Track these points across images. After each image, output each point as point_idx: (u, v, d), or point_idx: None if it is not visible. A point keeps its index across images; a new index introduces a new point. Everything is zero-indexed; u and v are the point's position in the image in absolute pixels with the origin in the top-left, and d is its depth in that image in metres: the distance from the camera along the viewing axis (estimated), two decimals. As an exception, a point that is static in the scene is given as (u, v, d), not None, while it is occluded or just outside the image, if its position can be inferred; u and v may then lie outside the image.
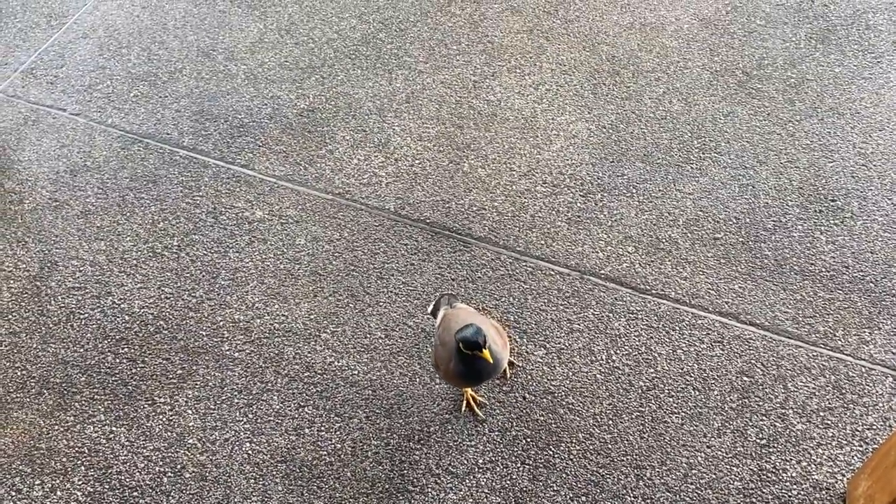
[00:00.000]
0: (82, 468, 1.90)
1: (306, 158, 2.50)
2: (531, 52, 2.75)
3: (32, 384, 2.04)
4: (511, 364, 1.97)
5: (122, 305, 2.18)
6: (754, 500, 1.74)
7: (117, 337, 2.12)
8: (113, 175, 2.50)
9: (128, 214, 2.39)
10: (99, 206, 2.42)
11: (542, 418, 1.90)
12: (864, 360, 1.95)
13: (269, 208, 2.38)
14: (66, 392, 2.02)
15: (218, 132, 2.59)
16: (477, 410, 1.90)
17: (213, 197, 2.42)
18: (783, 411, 1.87)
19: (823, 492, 1.74)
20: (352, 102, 2.65)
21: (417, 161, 2.46)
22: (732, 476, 1.78)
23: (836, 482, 1.75)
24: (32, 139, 2.62)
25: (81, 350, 2.10)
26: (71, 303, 2.20)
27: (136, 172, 2.50)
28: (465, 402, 1.91)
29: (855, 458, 1.79)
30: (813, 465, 1.78)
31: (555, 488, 1.79)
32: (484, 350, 1.57)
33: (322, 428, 1.91)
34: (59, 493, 1.86)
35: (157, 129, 2.61)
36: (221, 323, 2.13)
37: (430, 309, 1.95)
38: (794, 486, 1.75)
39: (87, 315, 2.17)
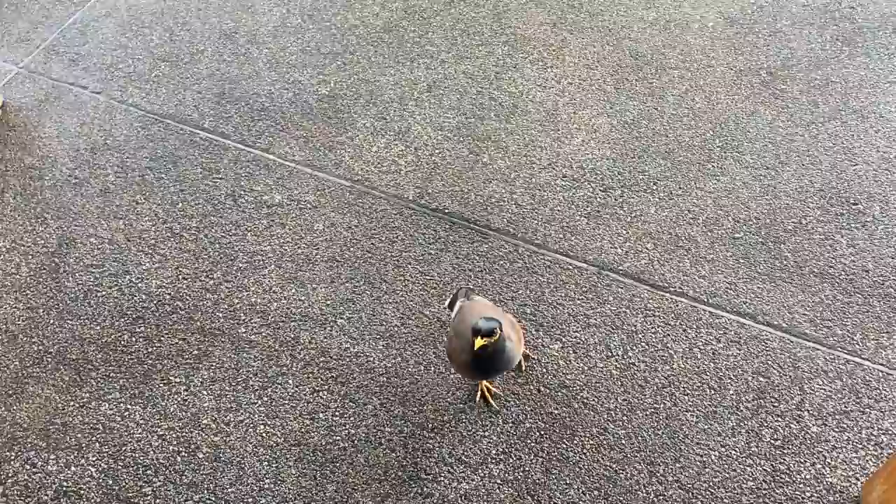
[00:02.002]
0: (97, 445, 1.91)
1: (326, 144, 2.49)
2: (554, 45, 2.74)
3: (49, 360, 2.05)
4: (526, 357, 1.97)
5: (140, 284, 2.19)
6: (767, 500, 1.74)
7: (134, 316, 2.13)
8: (133, 154, 2.50)
9: (147, 194, 2.40)
10: (118, 184, 2.43)
11: (556, 412, 1.90)
12: (881, 364, 1.94)
13: (288, 193, 2.38)
14: (81, 368, 2.03)
15: (239, 115, 2.59)
16: (491, 401, 1.90)
17: (232, 179, 2.42)
18: (799, 413, 1.87)
19: (837, 495, 1.74)
20: (373, 90, 2.64)
21: (437, 151, 2.46)
22: (746, 476, 1.78)
23: (850, 486, 1.75)
24: (53, 116, 2.62)
25: (98, 328, 2.11)
26: (88, 280, 2.20)
27: (156, 152, 2.50)
28: (479, 392, 1.92)
29: (870, 462, 1.78)
30: (827, 468, 1.78)
31: (567, 482, 1.79)
32: (495, 336, 1.57)
33: (336, 413, 1.92)
34: (73, 468, 1.87)
35: (178, 110, 2.61)
36: (238, 305, 2.13)
37: (447, 302, 1.95)
38: (808, 489, 1.75)
39: (104, 293, 2.18)
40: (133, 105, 2.64)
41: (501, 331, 1.59)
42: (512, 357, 1.68)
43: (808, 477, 1.77)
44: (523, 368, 1.96)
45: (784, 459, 1.79)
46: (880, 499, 1.58)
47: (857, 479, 1.76)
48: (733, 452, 1.81)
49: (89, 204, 2.38)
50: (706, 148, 2.41)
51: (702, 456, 1.81)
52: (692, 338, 2.01)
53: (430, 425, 1.89)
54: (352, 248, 2.24)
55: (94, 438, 1.91)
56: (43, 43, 2.86)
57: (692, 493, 1.76)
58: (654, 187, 2.32)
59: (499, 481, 1.80)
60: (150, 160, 2.48)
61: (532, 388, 1.94)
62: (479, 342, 1.57)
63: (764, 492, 1.75)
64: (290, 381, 1.98)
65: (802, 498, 1.74)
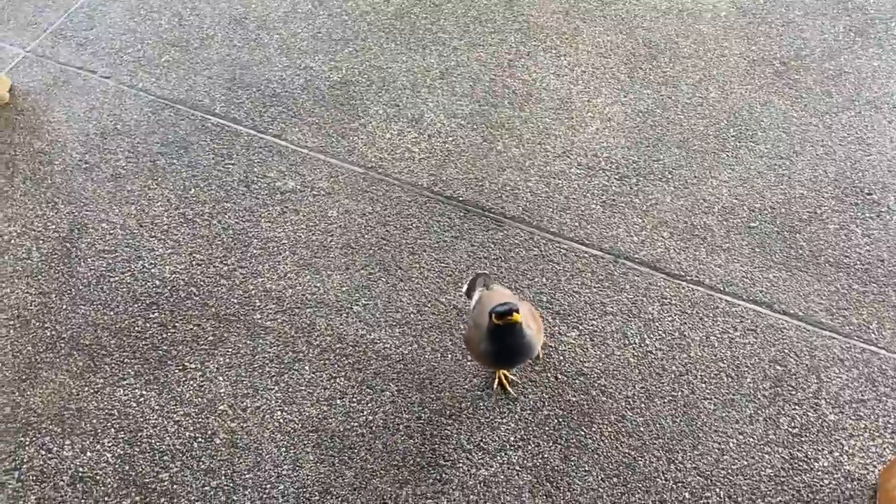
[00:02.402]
0: (112, 430, 1.90)
1: (339, 131, 2.48)
2: (567, 32, 2.73)
3: (62, 345, 2.04)
4: (543, 345, 1.97)
5: (153, 270, 2.17)
6: (785, 487, 1.74)
7: (148, 301, 2.11)
8: (144, 139, 2.48)
9: (159, 179, 2.38)
10: (129, 170, 2.41)
11: (574, 399, 1.90)
12: (897, 353, 1.95)
13: (302, 179, 2.36)
14: (95, 354, 2.02)
15: (250, 101, 2.57)
16: (508, 388, 1.90)
17: (245, 165, 2.40)
18: (815, 401, 1.87)
19: (855, 482, 1.74)
20: (385, 76, 2.63)
21: (451, 138, 2.44)
22: (764, 463, 1.78)
23: (868, 473, 1.76)
24: (62, 100, 2.60)
25: (111, 313, 2.09)
26: (101, 265, 2.19)
27: (167, 138, 2.49)
28: (496, 380, 1.91)
29: (887, 450, 1.79)
30: (845, 456, 1.79)
31: (586, 468, 1.80)
32: (514, 314, 1.57)
33: (354, 399, 1.91)
34: (89, 454, 1.86)
35: (189, 95, 2.59)
36: (253, 291, 2.12)
37: (464, 289, 1.95)
38: (826, 476, 1.76)
39: (117, 278, 2.16)
40: (143, 90, 2.62)
41: (518, 311, 1.59)
42: (532, 345, 1.67)
43: (825, 465, 1.77)
44: (540, 357, 1.95)
45: (801, 447, 1.80)
46: (901, 486, 1.58)
47: (875, 467, 1.77)
48: (751, 440, 1.82)
49: (100, 189, 2.36)
50: (720, 137, 2.41)
51: (720, 443, 1.82)
52: (709, 326, 2.01)
53: (448, 412, 1.89)
54: (366, 235, 2.23)
55: (109, 424, 1.90)
56: (50, 27, 2.83)
57: (710, 480, 1.76)
58: (670, 176, 2.32)
59: (517, 468, 1.80)
60: (161, 145, 2.46)
61: (550, 375, 1.94)
62: (496, 320, 1.58)
63: (782, 479, 1.76)
64: (307, 368, 1.97)
65: (821, 485, 1.74)
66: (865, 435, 1.82)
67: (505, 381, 1.91)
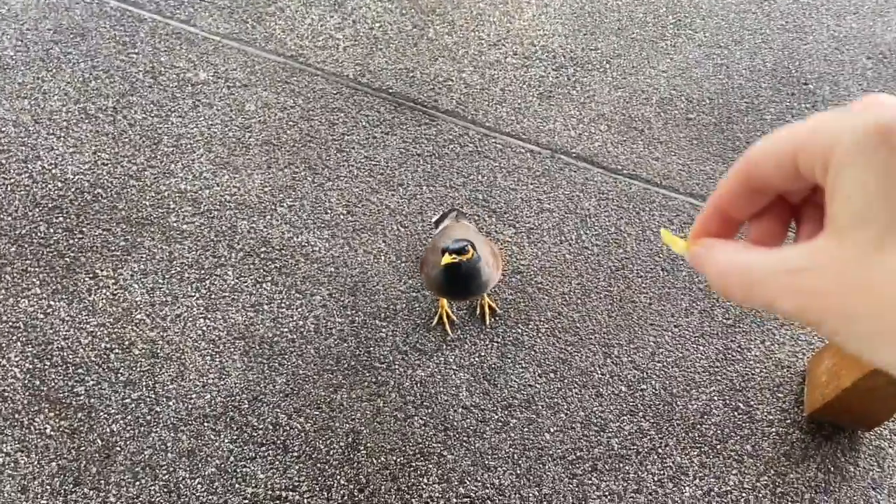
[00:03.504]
0: (18, 344, 1.76)
1: (253, 16, 2.27)
2: (501, -90, 2.53)
3: (-46, 255, 1.85)
4: (493, 311, 1.84)
5: (54, 171, 1.98)
6: (719, 377, 1.77)
7: (50, 205, 1.93)
8: (34, 26, 2.22)
9: (53, 71, 2.14)
10: (19, 59, 2.15)
11: (510, 297, 1.86)
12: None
13: (214, 69, 2.17)
14: (-6, 264, 1.85)
15: (153, -18, 2.31)
16: (448, 328, 1.80)
17: (150, 55, 2.18)
18: (748, 293, 1.88)
19: (785, 370, 1.78)
20: (304, -44, 2.40)
21: (378, 24, 2.27)
22: (699, 355, 1.79)
23: (797, 361, 1.79)
24: (-67, -21, 2.28)
25: (9, 218, 1.91)
26: (-7, 167, 1.98)
27: (60, 24, 2.22)
28: (438, 315, 1.81)
29: (815, 338, 1.83)
30: (776, 345, 1.82)
31: (523, 365, 1.77)
32: (466, 255, 1.47)
33: (282, 305, 1.82)
34: (-6, 370, 1.72)
35: (82, -25, 2.31)
36: (166, 193, 1.96)
37: (434, 218, 1.83)
38: (758, 365, 1.79)
39: (13, 180, 1.96)
40: (28, -32, 2.32)
41: (474, 249, 1.49)
42: (486, 282, 1.57)
43: (757, 354, 1.80)
44: (487, 322, 1.82)
45: (735, 338, 1.82)
46: (830, 371, 1.62)
47: (804, 355, 1.80)
48: (686, 332, 1.82)
49: (-14, 81, 2.11)
50: (659, 25, 2.32)
51: (655, 337, 1.82)
52: (645, 220, 1.98)
53: (383, 315, 1.82)
54: (288, 131, 2.07)
55: (14, 337, 1.76)
56: None
57: (646, 373, 1.77)
58: (608, 66, 2.22)
59: (454, 367, 1.76)
60: (53, 32, 2.21)
61: (486, 274, 1.88)
62: (447, 258, 1.46)
63: (716, 369, 1.78)
64: (230, 273, 1.86)
65: (752, 374, 1.77)
66: (795, 325, 1.85)
67: (446, 320, 1.81)
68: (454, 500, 1.61)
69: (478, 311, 1.82)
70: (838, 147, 0.28)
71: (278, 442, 1.66)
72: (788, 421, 1.72)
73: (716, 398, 1.74)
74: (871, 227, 0.27)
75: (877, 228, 0.27)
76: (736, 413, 1.73)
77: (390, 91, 2.15)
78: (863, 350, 0.28)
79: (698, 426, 1.71)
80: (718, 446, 1.69)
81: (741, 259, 0.32)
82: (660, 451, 1.68)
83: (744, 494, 1.64)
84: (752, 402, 1.74)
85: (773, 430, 1.71)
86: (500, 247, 1.89)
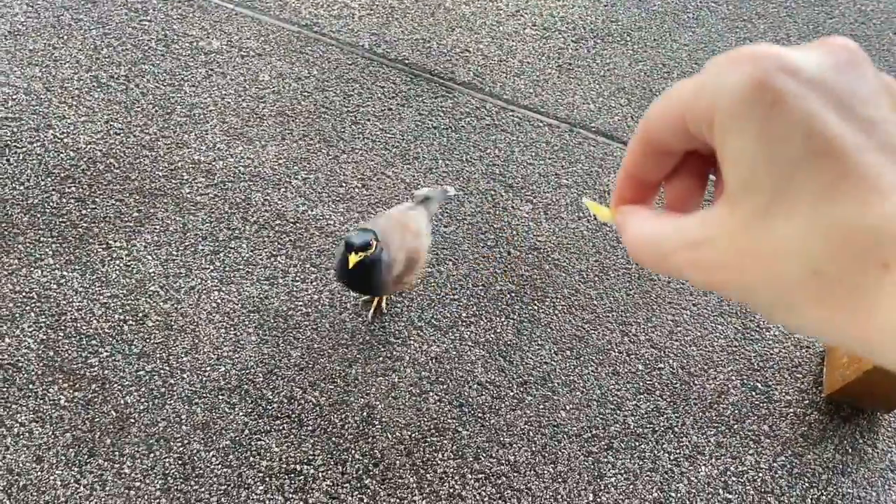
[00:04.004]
0: (32, 314, 1.75)
1: (268, -16, 2.23)
2: None
3: (-33, 224, 1.84)
4: (379, 309, 1.76)
5: (66, 140, 1.95)
6: (737, 356, 1.75)
7: (62, 175, 1.91)
8: (43, -9, 2.18)
9: (65, 38, 2.11)
10: (30, 26, 2.12)
11: (527, 274, 1.84)
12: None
13: (228, 38, 2.13)
14: (6, 233, 1.83)
15: (165, -53, 2.27)
16: (369, 312, 1.73)
17: (163, 22, 2.14)
18: (768, 272, 1.86)
19: (804, 350, 1.76)
20: (319, -78, 2.35)
21: (394, -6, 2.23)
22: (717, 334, 1.77)
23: (816, 342, 1.77)
24: (-59, -57, 2.24)
25: (21, 187, 1.89)
26: (5, 134, 1.95)
27: (70, -11, 2.19)
28: (373, 308, 1.75)
29: (835, 318, 1.80)
30: (795, 325, 1.79)
31: (539, 342, 1.76)
32: (351, 255, 1.34)
33: (297, 278, 1.80)
34: (7, 339, 1.71)
35: (93, -60, 2.27)
36: (180, 164, 1.94)
37: (415, 192, 1.75)
38: (776, 345, 1.77)
39: (24, 149, 1.94)
40: (37, -68, 2.28)
41: (378, 240, 1.36)
42: (385, 283, 1.46)
43: (776, 334, 1.78)
44: (370, 316, 1.74)
45: (754, 317, 1.80)
46: (850, 352, 1.60)
47: (824, 335, 1.78)
48: (705, 311, 1.80)
49: (-4, 48, 2.08)
50: (682, -3, 2.27)
51: (674, 315, 1.80)
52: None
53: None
54: (303, 102, 2.04)
55: (28, 308, 1.75)
56: None
57: (664, 352, 1.75)
58: (628, 38, 2.18)
59: (470, 343, 1.75)
60: (64, -2, 2.17)
61: (502, 250, 1.86)
62: (353, 259, 1.34)
63: (734, 348, 1.76)
64: (244, 245, 1.84)
65: (771, 353, 1.75)
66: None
67: (374, 306, 1.73)
68: (469, 475, 1.61)
69: (370, 314, 1.75)
70: (718, 111, 0.26)
71: (293, 416, 1.65)
72: (806, 401, 1.71)
73: (733, 378, 1.72)
74: (757, 195, 0.26)
75: (762, 195, 0.26)
76: (754, 393, 1.71)
77: (406, 62, 2.11)
78: (773, 318, 0.27)
79: (715, 405, 1.69)
80: (735, 426, 1.67)
81: (650, 230, 0.31)
82: (676, 429, 1.67)
83: (760, 474, 1.63)
84: (770, 382, 1.72)
85: (791, 410, 1.69)
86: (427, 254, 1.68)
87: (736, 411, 1.69)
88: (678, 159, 0.33)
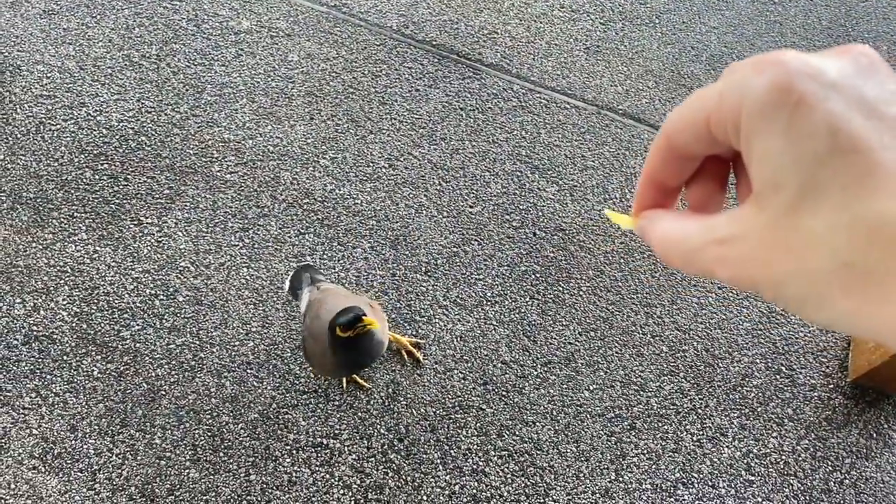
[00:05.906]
0: (66, 288, 1.79)
1: (297, -35, 2.24)
2: None
3: (3, 198, 1.88)
4: (418, 347, 1.74)
5: (99, 118, 1.99)
6: (762, 340, 1.75)
7: (95, 152, 1.94)
8: (76, -29, 2.21)
9: (98, 17, 2.14)
10: (64, 5, 2.15)
11: (552, 254, 1.84)
12: None
13: (258, 18, 2.15)
14: (41, 208, 1.87)
15: (196, -72, 2.29)
16: (362, 382, 1.70)
17: (193, 2, 2.17)
18: (795, 256, 1.85)
19: (829, 334, 1.76)
20: None
21: (422, -25, 2.23)
22: (742, 317, 1.77)
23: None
24: (-23, -77, 2.28)
25: (56, 164, 1.92)
26: (40, 112, 1.99)
27: (103, -31, 2.21)
28: (345, 382, 1.71)
29: (862, 304, 1.80)
30: (821, 310, 1.79)
31: (564, 323, 1.77)
32: (364, 317, 1.31)
33: (324, 256, 1.82)
34: (42, 311, 1.76)
35: (125, -80, 2.29)
36: (210, 142, 1.96)
37: (286, 286, 1.68)
38: (802, 329, 1.76)
39: (59, 126, 1.97)
40: (71, -87, 2.30)
41: (365, 315, 1.32)
42: (382, 342, 1.43)
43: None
44: (420, 359, 1.71)
45: (779, 301, 1.79)
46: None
47: (850, 320, 1.77)
48: (730, 294, 1.80)
49: (32, 26, 2.11)
50: (712, -20, 2.25)
51: (699, 298, 1.80)
52: (691, 181, 1.94)
53: (423, 268, 1.82)
54: (332, 83, 2.06)
55: (62, 281, 1.79)
56: None
57: (689, 334, 1.75)
58: (657, 20, 2.17)
59: (494, 322, 1.76)
60: (96, -22, 2.20)
61: (528, 231, 1.87)
62: (343, 333, 1.32)
63: (759, 332, 1.76)
64: (273, 223, 1.86)
65: (796, 337, 1.75)
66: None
67: (359, 379, 1.70)
68: (492, 452, 1.63)
69: (346, 385, 1.70)
70: (744, 113, 0.28)
71: (320, 391, 1.68)
72: (831, 386, 1.70)
73: (758, 361, 1.72)
74: (784, 192, 0.27)
75: (790, 192, 0.26)
76: (778, 376, 1.71)
77: (434, 43, 2.12)
78: (802, 313, 0.28)
79: (739, 388, 1.70)
80: (759, 409, 1.68)
81: (677, 230, 0.32)
82: (699, 411, 1.68)
83: (783, 457, 1.63)
84: (794, 366, 1.72)
85: (816, 394, 1.69)
86: (376, 300, 1.68)
87: (760, 394, 1.69)
88: (698, 164, 0.34)
